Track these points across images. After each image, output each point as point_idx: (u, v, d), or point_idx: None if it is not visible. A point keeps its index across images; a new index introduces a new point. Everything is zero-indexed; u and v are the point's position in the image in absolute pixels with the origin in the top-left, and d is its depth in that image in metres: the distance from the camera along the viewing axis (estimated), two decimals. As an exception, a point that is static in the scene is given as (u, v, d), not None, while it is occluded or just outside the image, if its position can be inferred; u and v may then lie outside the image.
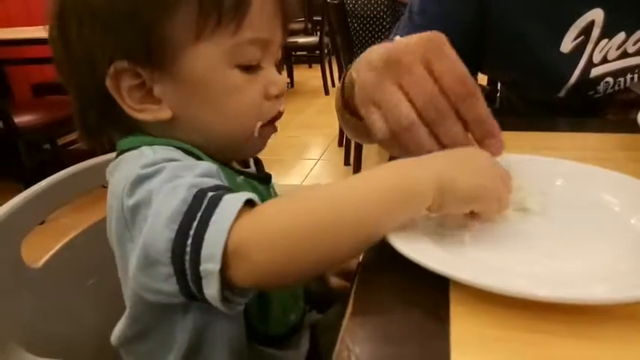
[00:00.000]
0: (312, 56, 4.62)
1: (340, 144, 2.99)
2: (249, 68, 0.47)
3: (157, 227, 0.36)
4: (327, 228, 0.36)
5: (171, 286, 0.37)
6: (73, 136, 2.38)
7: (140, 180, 0.40)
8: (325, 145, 3.15)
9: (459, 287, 0.35)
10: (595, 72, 0.73)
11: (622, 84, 0.73)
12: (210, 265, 0.35)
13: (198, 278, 0.36)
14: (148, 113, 0.46)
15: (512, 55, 0.78)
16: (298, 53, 4.73)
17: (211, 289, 0.35)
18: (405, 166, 0.39)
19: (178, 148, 0.46)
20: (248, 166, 0.58)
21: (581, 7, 0.71)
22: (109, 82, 0.44)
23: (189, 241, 0.35)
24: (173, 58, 0.44)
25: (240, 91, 0.47)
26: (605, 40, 0.71)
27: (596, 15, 0.70)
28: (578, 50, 0.73)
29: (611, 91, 0.74)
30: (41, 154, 2.51)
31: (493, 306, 0.34)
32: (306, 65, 5.28)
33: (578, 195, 0.48)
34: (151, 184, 0.39)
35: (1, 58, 2.51)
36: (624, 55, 0.72)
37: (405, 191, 0.38)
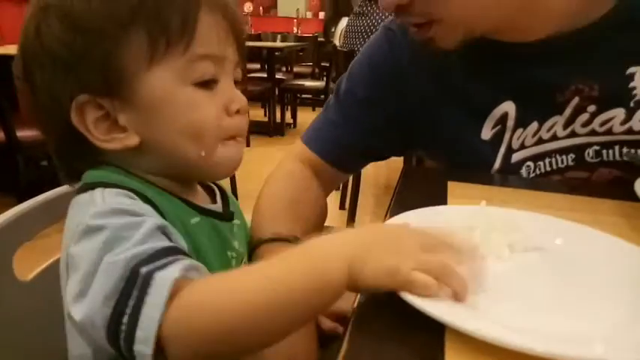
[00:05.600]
0: (316, 100, 4.70)
1: (337, 187, 3.00)
2: (205, 84, 0.48)
3: (96, 304, 0.38)
4: (250, 325, 0.38)
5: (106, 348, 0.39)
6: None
7: (86, 232, 0.41)
8: (322, 187, 3.15)
9: (455, 335, 0.35)
10: (515, 157, 0.76)
11: (542, 168, 0.76)
12: (143, 346, 0.37)
13: (131, 354, 0.37)
14: (116, 142, 0.47)
15: (439, 141, 0.82)
16: (304, 96, 4.81)
17: None
18: (313, 258, 0.39)
19: (133, 190, 0.46)
20: (215, 201, 0.58)
21: (493, 101, 0.75)
22: (74, 118, 0.46)
23: (125, 319, 0.37)
24: (130, 86, 0.46)
25: (199, 107, 0.48)
26: (521, 130, 0.75)
27: (509, 107, 0.74)
28: (497, 138, 0.76)
29: (534, 175, 0.76)
30: (38, 170, 2.51)
31: (488, 356, 0.33)
32: (310, 108, 5.37)
33: (576, 255, 0.48)
34: (91, 242, 0.40)
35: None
36: (540, 141, 0.75)
37: (315, 287, 0.38)
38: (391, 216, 0.53)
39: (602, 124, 0.71)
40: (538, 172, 0.76)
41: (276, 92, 4.33)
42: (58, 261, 0.63)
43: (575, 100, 0.71)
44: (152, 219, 0.43)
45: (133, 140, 0.47)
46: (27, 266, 0.62)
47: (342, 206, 2.78)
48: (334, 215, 2.72)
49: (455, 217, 0.52)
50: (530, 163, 0.76)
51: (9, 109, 2.12)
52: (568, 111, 0.72)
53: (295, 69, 5.30)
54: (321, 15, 7.50)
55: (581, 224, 0.52)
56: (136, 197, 0.46)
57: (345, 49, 2.41)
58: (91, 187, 0.47)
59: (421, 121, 0.81)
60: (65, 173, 0.53)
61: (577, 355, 0.32)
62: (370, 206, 2.80)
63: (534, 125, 0.74)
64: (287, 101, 4.74)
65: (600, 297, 0.43)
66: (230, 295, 0.38)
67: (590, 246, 0.49)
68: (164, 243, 0.42)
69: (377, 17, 2.36)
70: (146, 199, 0.46)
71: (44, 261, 0.63)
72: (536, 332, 0.35)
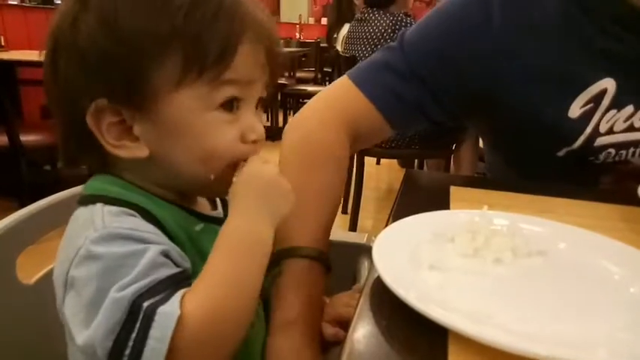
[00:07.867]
0: (319, 105, 4.71)
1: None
2: (229, 104, 0.47)
3: (98, 336, 0.39)
4: (242, 308, 0.44)
5: None
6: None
7: (86, 257, 0.42)
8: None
9: (458, 339, 0.35)
10: (600, 141, 0.72)
11: (623, 156, 0.73)
12: None
13: None
14: (125, 150, 0.47)
15: (515, 113, 0.76)
16: (306, 101, 4.83)
17: None
18: (248, 236, 0.46)
19: (135, 205, 0.46)
20: (216, 208, 0.58)
21: (593, 75, 0.70)
22: (89, 119, 0.45)
23: (128, 352, 0.38)
24: (154, 103, 0.45)
25: (217, 133, 0.47)
26: (614, 111, 0.70)
27: (609, 84, 0.70)
28: (586, 117, 0.71)
29: (611, 161, 0.73)
30: (41, 175, 2.52)
31: (492, 361, 0.33)
32: (313, 113, 5.40)
33: (579, 260, 0.48)
34: (90, 269, 0.41)
35: (18, 78, 2.57)
36: (631, 128, 0.71)
37: (259, 251, 0.46)
38: (394, 220, 0.53)
39: None
40: (617, 159, 0.73)
41: (279, 97, 4.34)
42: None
43: None
44: (154, 247, 0.43)
45: (142, 152, 0.47)
46: (30, 270, 0.62)
47: (344, 210, 2.77)
48: (336, 220, 2.72)
49: (458, 221, 0.52)
50: (612, 150, 0.72)
51: (13, 113, 2.13)
52: None
53: (298, 74, 5.30)
54: (324, 21, 7.51)
55: (584, 229, 0.52)
56: (137, 214, 0.46)
57: (347, 55, 2.41)
58: (91, 200, 0.46)
59: (499, 88, 0.74)
60: (64, 158, 0.52)
61: (580, 359, 0.32)
62: (372, 211, 2.80)
63: (629, 109, 0.70)
64: (289, 106, 4.75)
65: (603, 301, 0.43)
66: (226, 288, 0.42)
67: (593, 250, 0.49)
68: (167, 271, 0.42)
69: (379, 23, 2.36)
70: (148, 215, 0.46)
71: (47, 265, 0.63)
72: (539, 337, 0.35)
